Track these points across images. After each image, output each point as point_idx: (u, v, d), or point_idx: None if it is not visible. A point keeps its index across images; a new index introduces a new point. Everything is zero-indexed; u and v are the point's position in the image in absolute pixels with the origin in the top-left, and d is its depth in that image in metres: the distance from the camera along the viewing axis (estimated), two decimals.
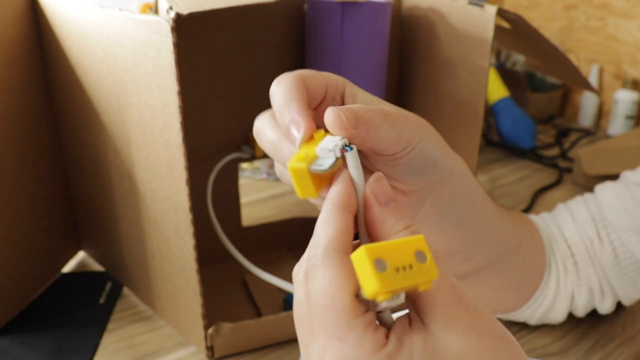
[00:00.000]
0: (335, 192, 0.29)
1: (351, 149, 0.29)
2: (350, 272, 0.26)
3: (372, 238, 0.29)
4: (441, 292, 0.27)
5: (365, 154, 0.34)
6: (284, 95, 0.31)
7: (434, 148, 0.36)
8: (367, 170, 0.37)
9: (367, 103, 0.34)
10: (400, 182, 0.37)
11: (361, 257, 0.25)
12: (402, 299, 0.26)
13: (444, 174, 0.38)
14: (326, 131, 0.30)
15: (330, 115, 0.29)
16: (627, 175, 0.59)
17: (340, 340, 0.25)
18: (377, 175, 0.29)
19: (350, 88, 0.35)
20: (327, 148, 0.29)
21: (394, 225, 0.28)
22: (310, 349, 0.27)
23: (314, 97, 0.33)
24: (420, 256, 0.26)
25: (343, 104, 0.34)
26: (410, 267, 0.25)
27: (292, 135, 0.30)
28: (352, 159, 0.29)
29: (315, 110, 0.33)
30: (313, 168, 0.28)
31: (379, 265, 0.24)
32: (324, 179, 0.29)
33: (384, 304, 0.26)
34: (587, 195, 0.60)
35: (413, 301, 0.28)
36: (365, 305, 0.26)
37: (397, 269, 0.25)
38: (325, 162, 0.28)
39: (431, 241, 0.41)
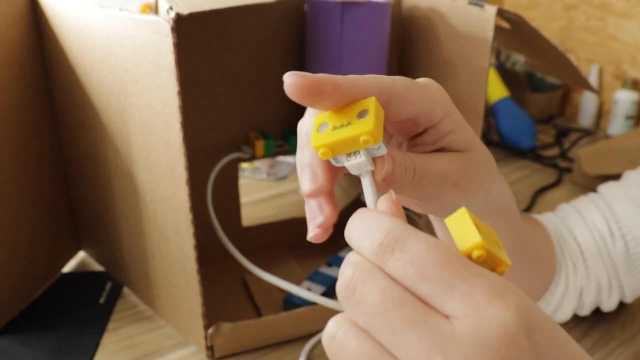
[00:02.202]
0: (373, 196, 0.28)
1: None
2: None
3: None
4: None
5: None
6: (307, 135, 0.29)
7: (479, 196, 0.35)
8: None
9: (454, 144, 0.32)
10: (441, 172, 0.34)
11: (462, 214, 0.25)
12: None
13: (474, 156, 0.35)
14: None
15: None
16: (630, 174, 0.59)
17: (479, 275, 0.23)
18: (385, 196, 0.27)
19: (448, 124, 0.32)
20: (355, 163, 0.28)
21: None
22: (448, 305, 0.23)
23: (394, 115, 0.30)
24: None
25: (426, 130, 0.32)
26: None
27: (301, 181, 0.28)
28: (368, 186, 0.28)
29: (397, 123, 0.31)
30: (335, 160, 0.28)
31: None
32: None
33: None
34: (592, 195, 0.61)
35: None
36: None
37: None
38: (346, 163, 0.28)
39: None
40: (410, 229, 0.24)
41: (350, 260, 0.25)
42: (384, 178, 0.28)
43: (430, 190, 0.31)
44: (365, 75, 0.28)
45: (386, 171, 0.28)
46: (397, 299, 0.23)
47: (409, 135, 0.33)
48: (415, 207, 0.37)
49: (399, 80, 0.29)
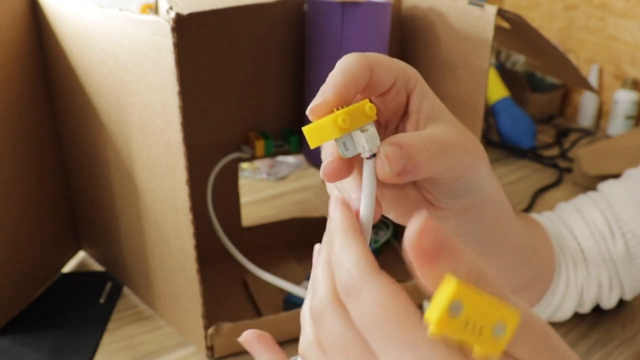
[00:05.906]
0: (340, 217, 0.28)
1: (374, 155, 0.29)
2: (396, 284, 0.25)
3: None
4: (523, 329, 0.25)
5: None
6: (334, 71, 0.29)
7: (480, 177, 0.34)
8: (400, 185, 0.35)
9: (433, 112, 0.32)
10: (433, 200, 0.35)
11: (447, 288, 0.22)
12: None
13: (481, 200, 0.36)
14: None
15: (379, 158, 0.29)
16: (631, 172, 0.59)
17: (415, 346, 0.23)
18: (419, 219, 0.23)
19: (421, 89, 0.33)
20: (358, 142, 0.29)
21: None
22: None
23: (379, 84, 0.31)
24: (499, 328, 0.22)
25: (408, 102, 0.33)
26: (481, 330, 0.22)
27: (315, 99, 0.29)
28: (369, 169, 0.29)
29: (380, 97, 0.32)
30: (340, 144, 0.29)
31: (455, 307, 0.22)
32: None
33: None
34: (592, 193, 0.60)
35: None
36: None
37: (468, 323, 0.22)
38: (349, 150, 0.29)
39: None
40: (370, 273, 0.26)
41: (322, 290, 0.28)
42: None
43: (451, 157, 0.31)
44: (343, 66, 0.30)
45: None
46: (341, 347, 0.27)
47: (397, 112, 0.34)
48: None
49: (372, 54, 0.31)
